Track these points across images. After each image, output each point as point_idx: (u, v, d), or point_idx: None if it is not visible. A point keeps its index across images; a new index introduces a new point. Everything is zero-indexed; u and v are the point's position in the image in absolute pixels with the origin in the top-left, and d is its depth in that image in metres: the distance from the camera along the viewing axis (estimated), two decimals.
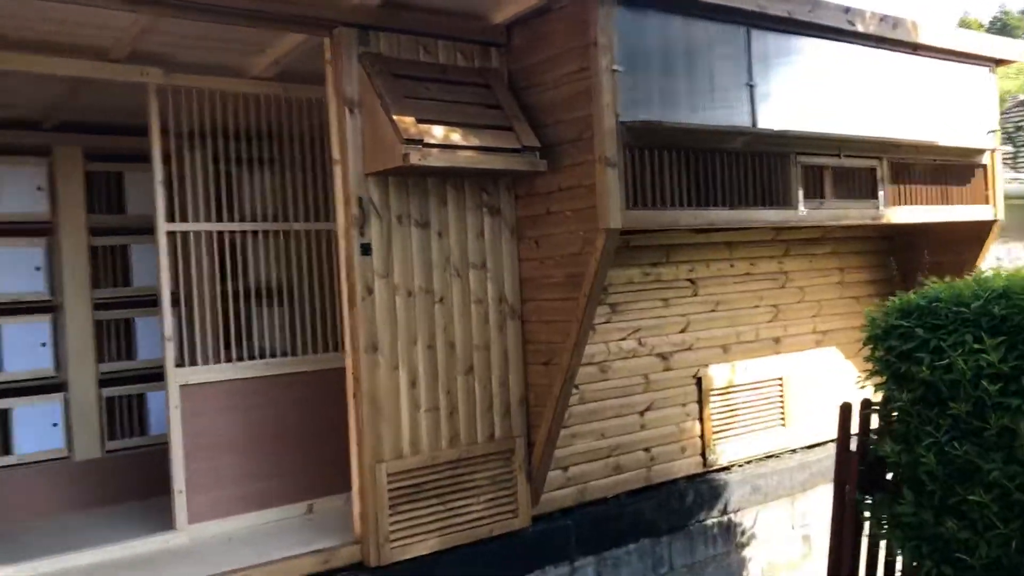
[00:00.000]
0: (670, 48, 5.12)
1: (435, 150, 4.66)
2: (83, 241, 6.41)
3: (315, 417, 5.83)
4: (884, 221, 6.27)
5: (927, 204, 6.53)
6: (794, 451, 6.85)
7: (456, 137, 4.77)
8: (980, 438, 3.69)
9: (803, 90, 5.75)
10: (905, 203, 6.37)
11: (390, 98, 4.67)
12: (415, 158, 4.55)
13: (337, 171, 4.89)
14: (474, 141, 4.82)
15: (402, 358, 4.91)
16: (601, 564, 5.64)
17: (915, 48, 6.43)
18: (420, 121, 4.67)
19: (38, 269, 6.30)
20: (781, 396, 6.80)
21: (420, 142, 4.59)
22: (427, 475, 4.99)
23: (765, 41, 5.50)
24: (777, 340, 6.83)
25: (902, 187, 6.36)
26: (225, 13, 4.58)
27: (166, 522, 5.43)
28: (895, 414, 4.11)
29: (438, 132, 4.70)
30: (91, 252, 6.47)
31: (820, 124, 5.79)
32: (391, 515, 4.85)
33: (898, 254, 7.26)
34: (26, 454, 6.14)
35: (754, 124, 5.42)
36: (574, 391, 5.54)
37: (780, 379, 6.80)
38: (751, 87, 5.42)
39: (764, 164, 5.52)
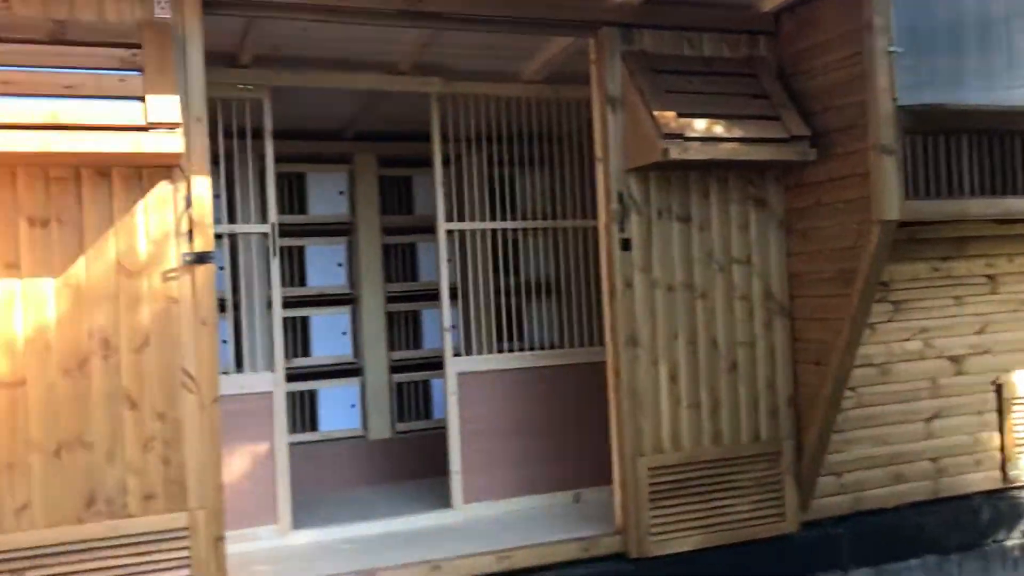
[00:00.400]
0: (959, 23, 4.70)
1: (696, 143, 4.62)
2: (377, 239, 7.03)
3: (582, 409, 5.98)
4: None
5: None
6: None
7: (719, 129, 4.70)
8: None
9: None
10: None
11: (650, 94, 4.70)
12: (675, 152, 4.54)
13: (599, 168, 4.99)
14: (738, 132, 4.73)
15: (662, 353, 4.92)
16: None
17: None
18: (681, 115, 4.66)
19: (340, 265, 7.01)
20: None
21: (680, 136, 4.57)
22: (689, 472, 4.96)
23: None
24: None
25: None
26: (500, 23, 4.84)
27: (444, 500, 5.83)
28: None
29: (699, 125, 4.66)
30: (384, 250, 7.08)
31: None
32: (651, 509, 4.87)
33: None
34: (329, 431, 6.84)
35: None
36: (849, 394, 5.25)
37: None
38: None
39: None
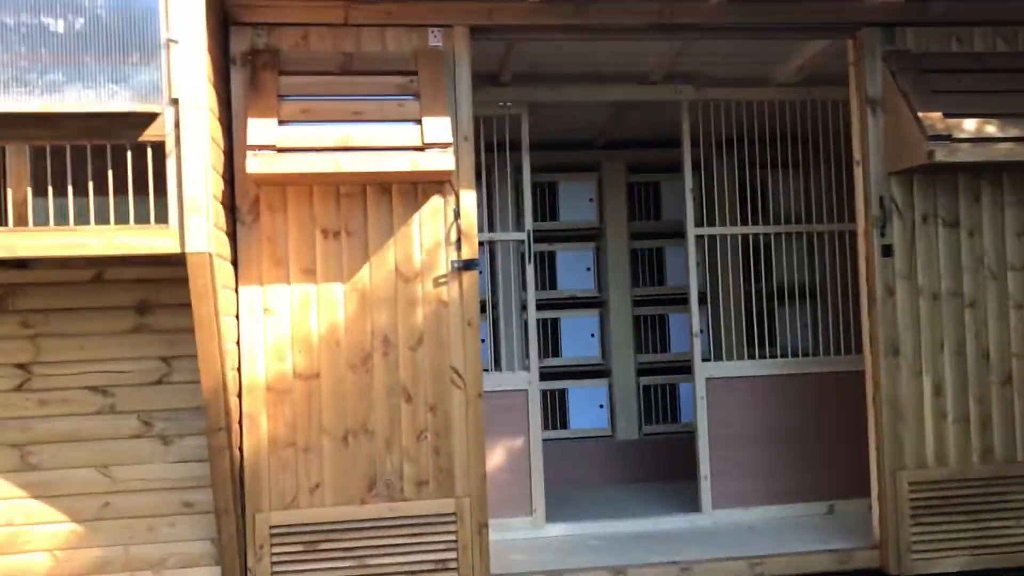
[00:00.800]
0: None
1: (966, 145, 4.40)
2: (624, 244, 7.19)
3: (837, 419, 5.81)
4: None
5: None
6: None
7: (991, 129, 4.44)
8: None
9: None
10: None
11: (914, 94, 4.52)
12: (941, 154, 4.35)
13: (858, 172, 4.86)
14: (1014, 132, 4.44)
15: (926, 364, 4.72)
16: None
17: None
18: (948, 115, 4.45)
19: (588, 269, 7.24)
20: None
21: (948, 137, 4.37)
22: (955, 489, 4.71)
23: None
24: None
25: None
26: (754, 30, 4.85)
27: (692, 504, 5.88)
28: None
29: (969, 125, 4.43)
30: (631, 254, 7.23)
31: None
32: (912, 525, 4.68)
33: None
34: (578, 429, 7.08)
35: None
36: None
37: None
38: None
39: None
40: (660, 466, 6.93)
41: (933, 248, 4.75)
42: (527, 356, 5.73)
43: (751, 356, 6.02)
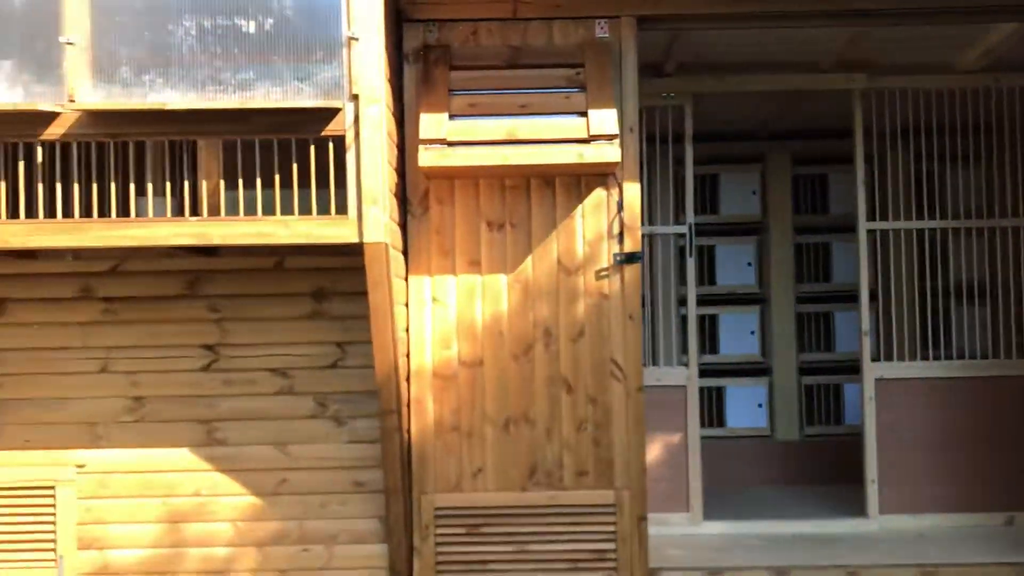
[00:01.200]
0: None
1: None
2: (788, 239, 6.98)
3: (1017, 426, 5.47)
4: None
5: None
6: None
7: None
8: None
9: None
10: None
11: None
12: None
13: None
14: None
15: None
16: None
17: None
18: None
19: (749, 264, 7.07)
20: None
21: None
22: None
23: None
24: None
25: None
26: (937, 14, 4.62)
27: (856, 508, 5.66)
28: None
29: None
30: (795, 249, 7.01)
31: None
32: None
33: None
34: (736, 428, 6.94)
35: None
36: None
37: None
38: None
39: None
40: (822, 468, 6.70)
41: None
42: (684, 352, 5.66)
43: (924, 357, 5.74)
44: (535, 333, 4.58)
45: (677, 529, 5.46)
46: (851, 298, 6.06)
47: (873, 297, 5.81)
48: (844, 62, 5.52)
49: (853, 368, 6.00)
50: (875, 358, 5.66)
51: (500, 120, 4.41)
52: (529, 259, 4.59)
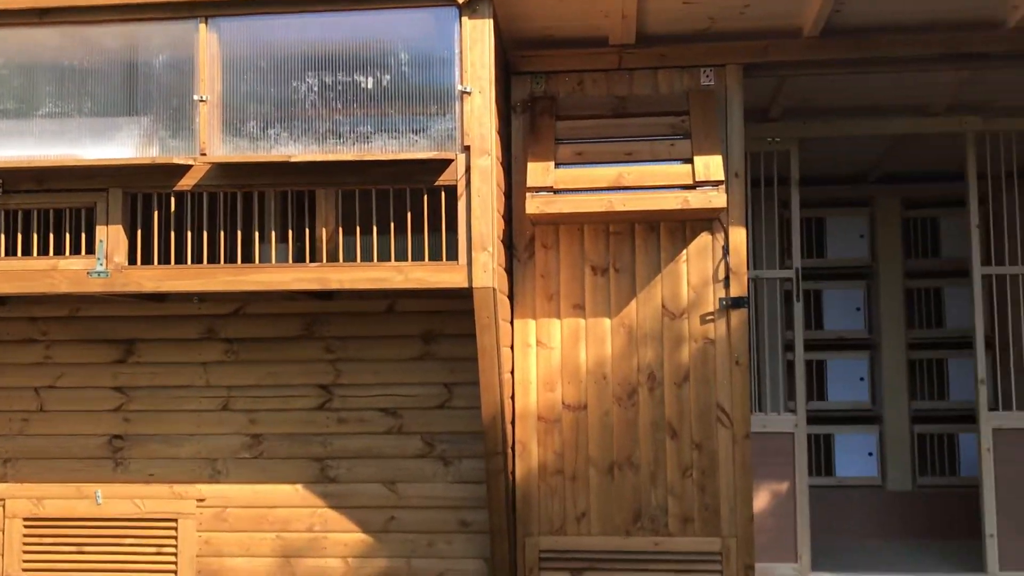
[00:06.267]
0: None
1: None
2: (899, 283, 6.82)
3: None
4: None
5: None
6: None
7: None
8: None
9: None
10: None
11: None
12: None
13: None
14: None
15: None
16: None
17: None
18: None
19: (858, 309, 6.92)
20: None
21: None
22: None
23: None
24: None
25: None
26: None
27: (975, 564, 5.45)
28: None
29: None
30: (906, 294, 6.84)
31: None
32: None
33: None
34: (845, 477, 6.76)
35: None
36: None
37: None
38: None
39: None
40: (936, 521, 6.46)
41: None
42: (792, 398, 5.57)
43: None
44: (639, 377, 4.60)
45: None
46: (964, 344, 5.88)
47: (989, 344, 5.62)
48: (956, 105, 5.42)
49: (967, 417, 5.80)
50: (992, 407, 5.46)
51: (606, 167, 4.49)
52: (633, 303, 4.63)
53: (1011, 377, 5.51)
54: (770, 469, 5.48)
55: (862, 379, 6.86)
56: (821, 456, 6.76)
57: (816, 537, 5.78)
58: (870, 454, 6.76)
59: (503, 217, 4.53)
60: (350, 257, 4.21)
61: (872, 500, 6.69)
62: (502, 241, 4.47)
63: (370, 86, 4.09)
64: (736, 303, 4.56)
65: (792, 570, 5.40)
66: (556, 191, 4.40)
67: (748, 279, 5.61)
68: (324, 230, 4.21)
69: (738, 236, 4.57)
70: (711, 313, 4.58)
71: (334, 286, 4.13)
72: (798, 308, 5.60)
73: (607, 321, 4.64)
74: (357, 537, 4.77)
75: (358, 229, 4.17)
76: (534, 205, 4.37)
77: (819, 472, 6.72)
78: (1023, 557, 5.31)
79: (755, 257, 5.76)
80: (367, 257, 4.19)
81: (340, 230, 4.21)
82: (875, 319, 6.87)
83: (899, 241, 6.85)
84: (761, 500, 5.48)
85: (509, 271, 4.67)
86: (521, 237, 4.71)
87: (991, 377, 5.58)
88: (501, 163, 4.50)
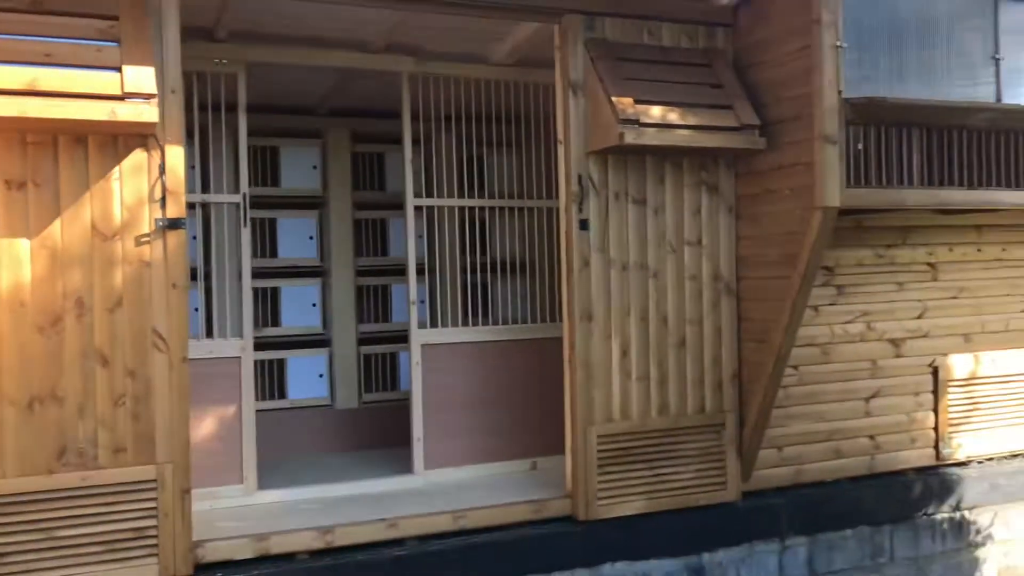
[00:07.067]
0: (903, 22, 4.95)
1: (651, 129, 4.85)
2: (348, 214, 7.21)
3: (542, 382, 6.20)
4: None
5: None
6: None
7: (673, 116, 4.92)
8: None
9: None
10: None
11: (609, 80, 4.92)
12: (630, 137, 4.77)
13: (561, 151, 5.21)
14: (691, 120, 4.96)
15: (615, 328, 5.17)
16: (814, 545, 5.59)
17: None
18: (638, 102, 4.88)
19: (311, 238, 7.18)
20: None
21: (636, 122, 4.80)
22: (636, 440, 5.21)
23: (1015, 11, 5.15)
24: None
25: None
26: (468, 7, 5.03)
27: (405, 466, 6.06)
28: None
29: (655, 112, 4.89)
30: (355, 224, 7.26)
31: None
32: (600, 475, 5.13)
33: None
34: (297, 399, 7.03)
35: (999, 100, 5.11)
36: (792, 372, 5.53)
37: None
38: (997, 61, 5.10)
39: (1011, 143, 5.18)
40: (379, 433, 7.05)
41: (624, 223, 5.19)
42: (242, 324, 5.61)
43: (466, 324, 6.27)
44: (65, 304, 4.23)
45: (231, 501, 5.41)
46: (405, 271, 6.43)
47: (423, 270, 6.22)
48: (394, 45, 5.81)
49: (406, 337, 6.37)
50: (422, 326, 6.07)
51: (20, 68, 3.99)
52: (58, 222, 4.22)
53: (438, 299, 6.17)
54: (217, 394, 5.48)
55: (314, 305, 7.16)
56: (275, 380, 6.95)
57: (266, 457, 5.94)
58: (321, 376, 7.11)
59: None
60: None
61: (322, 419, 7.06)
62: None
63: None
64: (173, 224, 4.40)
65: (239, 491, 5.49)
66: None
67: (197, 203, 5.51)
68: None
69: (175, 155, 4.40)
70: (147, 235, 4.37)
71: None
72: (246, 234, 5.62)
73: (25, 242, 4.18)
74: None
75: None
76: None
77: (272, 396, 6.90)
78: (444, 456, 6.04)
79: (205, 182, 5.63)
80: None
81: None
82: (326, 248, 7.18)
83: (349, 173, 7.22)
84: (207, 425, 5.47)
85: None
86: None
87: (425, 300, 6.19)
88: None
